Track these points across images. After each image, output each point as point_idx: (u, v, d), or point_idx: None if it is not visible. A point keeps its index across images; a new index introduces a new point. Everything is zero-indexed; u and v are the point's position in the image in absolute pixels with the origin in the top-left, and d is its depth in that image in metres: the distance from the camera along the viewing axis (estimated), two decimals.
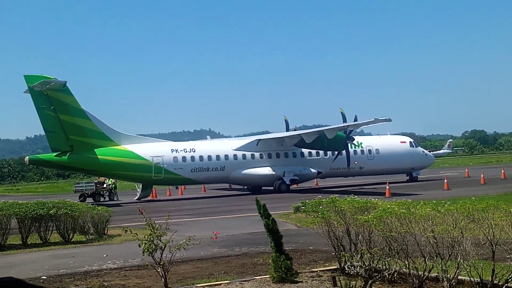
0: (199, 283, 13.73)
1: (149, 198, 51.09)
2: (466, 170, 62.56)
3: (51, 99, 45.56)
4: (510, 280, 10.76)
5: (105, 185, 53.45)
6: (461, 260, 11.30)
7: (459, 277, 11.56)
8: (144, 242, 12.28)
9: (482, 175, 48.91)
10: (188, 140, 59.12)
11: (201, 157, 50.32)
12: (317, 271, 14.46)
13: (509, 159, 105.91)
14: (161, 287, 12.75)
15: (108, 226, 25.24)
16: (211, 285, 13.46)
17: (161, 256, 12.41)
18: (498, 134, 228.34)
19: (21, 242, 23.49)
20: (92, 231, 24.72)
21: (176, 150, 50.14)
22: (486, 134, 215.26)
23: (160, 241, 12.36)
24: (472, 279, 11.23)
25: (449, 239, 11.46)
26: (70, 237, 24.13)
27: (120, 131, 49.87)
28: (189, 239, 12.73)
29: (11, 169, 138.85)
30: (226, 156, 51.12)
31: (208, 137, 70.78)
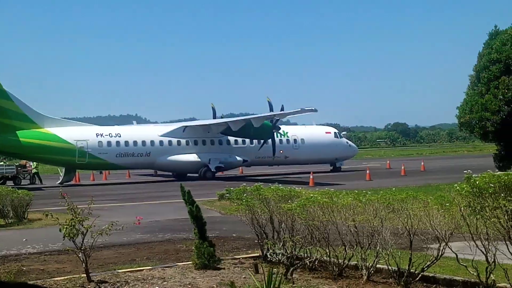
0: (120, 269, 13.61)
1: (72, 182, 50.22)
2: (388, 161, 63.95)
3: None
4: (426, 268, 11.08)
5: (29, 168, 52.27)
6: (380, 249, 11.58)
7: (377, 266, 11.85)
8: (65, 226, 12.08)
9: (403, 167, 50.15)
10: (113, 125, 58.38)
11: (126, 142, 49.74)
12: (239, 258, 14.55)
13: (429, 152, 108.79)
14: (81, 272, 12.59)
15: (28, 210, 24.71)
16: (132, 270, 13.36)
17: (83, 241, 12.24)
18: (419, 128, 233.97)
19: None
20: (11, 214, 24.15)
21: (101, 135, 49.38)
22: (408, 127, 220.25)
23: (82, 226, 12.18)
24: (390, 267, 11.52)
25: (369, 229, 11.73)
26: None
27: (43, 114, 48.72)
28: (112, 224, 12.60)
29: None
30: (152, 142, 50.69)
31: (134, 122, 69.87)
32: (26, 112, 46.89)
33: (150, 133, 52.04)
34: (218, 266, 13.33)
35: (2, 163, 54.87)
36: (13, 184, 47.70)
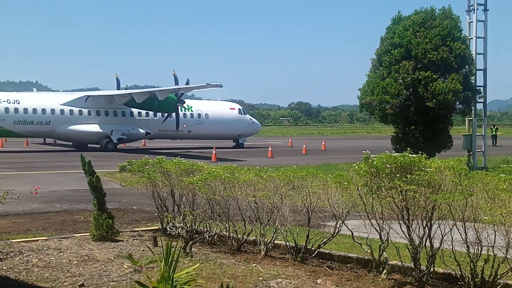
0: (14, 239, 13.24)
1: None
2: (290, 140, 64.89)
3: None
4: (322, 245, 11.34)
5: None
6: (279, 225, 11.76)
7: (275, 241, 12.03)
8: None
9: (304, 146, 50.99)
10: (12, 91, 56.57)
11: (25, 110, 48.28)
12: (138, 230, 14.45)
13: (330, 132, 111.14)
14: None
15: None
16: (28, 240, 13.04)
17: None
18: (321, 108, 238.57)
19: None
20: None
21: None
22: (311, 107, 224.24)
23: None
24: (287, 243, 11.72)
25: (269, 205, 11.87)
26: None
27: None
28: (7, 192, 12.26)
29: None
30: (53, 110, 49.42)
31: (34, 89, 67.84)
32: None
33: (51, 101, 50.68)
34: (116, 238, 13.20)
35: None
36: None
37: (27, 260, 11.26)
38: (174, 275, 8.06)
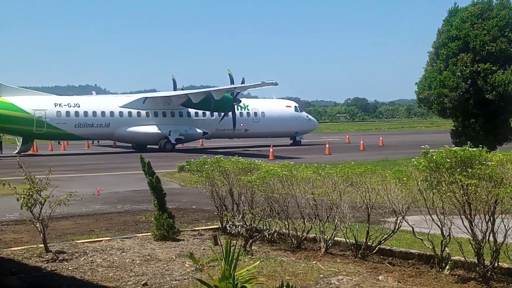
0: (79, 239, 13.55)
1: (30, 152, 49.56)
2: (347, 136, 64.51)
3: None
4: (383, 241, 11.26)
5: None
6: (339, 222, 11.72)
7: (335, 238, 12.01)
8: (22, 196, 11.96)
9: (361, 142, 50.61)
10: (72, 95, 57.69)
11: (85, 113, 49.17)
12: (199, 229, 14.60)
13: (388, 127, 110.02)
14: (39, 243, 12.50)
15: None
16: (91, 241, 13.32)
17: (40, 211, 12.13)
18: (378, 103, 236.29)
19: None
20: None
21: (60, 105, 48.70)
22: (368, 102, 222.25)
23: (40, 196, 12.07)
24: (347, 240, 11.68)
25: (328, 202, 11.85)
26: None
27: (1, 82, 47.88)
28: (70, 194, 12.51)
29: None
30: (112, 113, 50.20)
31: (93, 92, 69.05)
32: None
33: (110, 104, 51.50)
34: (177, 237, 13.36)
35: None
36: None
37: (92, 260, 11.51)
38: (235, 273, 8.12)
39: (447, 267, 9.99)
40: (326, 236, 11.88)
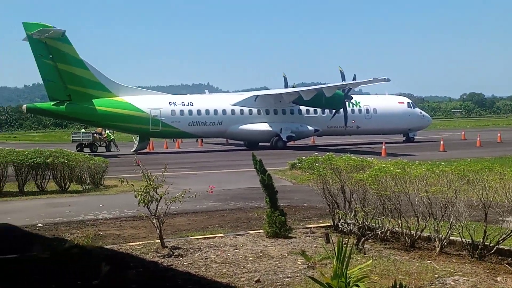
0: (193, 235, 13.86)
1: (146, 150, 51.14)
2: (463, 132, 62.72)
3: (49, 47, 45.19)
4: (501, 241, 10.89)
5: (104, 136, 53.48)
6: (454, 221, 11.42)
7: (451, 238, 11.69)
8: (140, 193, 12.34)
9: (478, 138, 49.02)
10: (186, 94, 59.01)
11: (198, 111, 50.23)
12: (310, 227, 14.59)
13: (506, 123, 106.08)
14: (155, 238, 12.87)
15: (104, 176, 25.36)
16: (205, 237, 13.59)
17: (157, 208, 12.49)
18: (496, 98, 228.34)
19: (17, 190, 23.57)
20: (88, 181, 24.86)
21: (174, 103, 50.01)
22: (484, 97, 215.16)
23: (156, 193, 12.42)
24: (463, 239, 11.36)
25: (443, 200, 11.56)
26: (67, 186, 24.27)
27: (118, 83, 49.65)
28: (185, 192, 12.81)
29: (9, 117, 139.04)
30: (224, 111, 51.02)
31: (206, 91, 70.53)
32: (101, 81, 47.89)
33: (222, 102, 52.34)
34: (289, 235, 13.41)
35: (82, 130, 56.38)
36: (89, 151, 49.03)
37: (206, 256, 11.75)
38: (347, 272, 8.07)
39: None
40: (441, 235, 11.61)
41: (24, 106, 51.59)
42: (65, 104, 46.68)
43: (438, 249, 11.50)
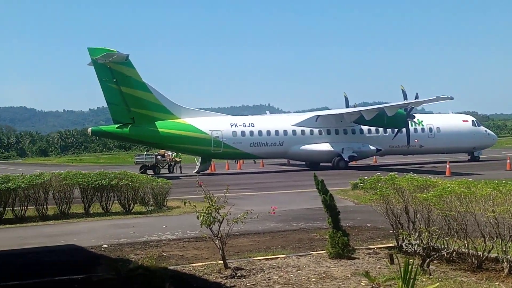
0: (256, 256, 13.85)
1: (208, 171, 51.54)
2: None
3: (113, 71, 46.20)
4: None
5: (167, 157, 54.11)
6: None
7: None
8: (202, 214, 12.41)
9: None
10: (247, 115, 59.28)
11: (260, 132, 50.41)
12: (374, 248, 14.43)
13: None
14: (218, 259, 12.92)
15: (167, 198, 25.62)
16: (268, 258, 13.57)
17: (219, 229, 12.54)
18: None
19: (83, 211, 24.05)
20: (152, 202, 25.18)
21: (235, 125, 50.33)
22: None
23: (218, 213, 12.47)
24: None
25: (511, 220, 11.28)
26: (131, 208, 24.64)
27: (180, 105, 50.29)
28: (247, 213, 12.84)
29: (75, 140, 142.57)
30: (285, 132, 51.07)
31: (267, 112, 70.59)
32: (164, 103, 48.62)
33: (283, 122, 52.41)
34: (352, 255, 13.29)
35: (145, 153, 57.22)
36: (152, 173, 49.66)
37: (269, 277, 11.72)
38: None
39: None
40: (509, 256, 11.31)
41: (89, 129, 52.69)
42: (129, 126, 47.57)
43: (506, 270, 11.21)
